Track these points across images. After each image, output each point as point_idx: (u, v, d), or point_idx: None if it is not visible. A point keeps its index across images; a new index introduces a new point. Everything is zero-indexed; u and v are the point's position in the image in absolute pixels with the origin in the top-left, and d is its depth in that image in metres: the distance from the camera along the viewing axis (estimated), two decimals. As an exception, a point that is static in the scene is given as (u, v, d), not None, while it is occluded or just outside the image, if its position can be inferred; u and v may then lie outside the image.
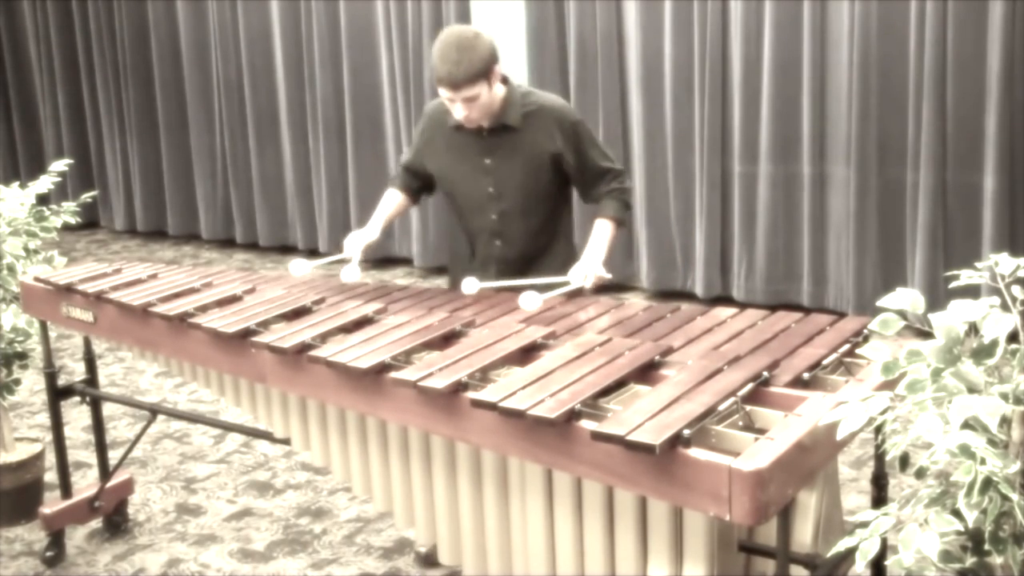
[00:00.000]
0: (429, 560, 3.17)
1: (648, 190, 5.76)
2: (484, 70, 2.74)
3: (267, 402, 2.67)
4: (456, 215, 3.14)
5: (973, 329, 1.66)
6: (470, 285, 2.82)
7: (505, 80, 2.92)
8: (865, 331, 2.34)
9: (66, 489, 3.45)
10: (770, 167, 5.39)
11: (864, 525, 1.63)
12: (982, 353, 1.65)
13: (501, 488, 2.16)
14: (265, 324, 2.61)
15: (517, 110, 2.90)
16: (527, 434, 1.99)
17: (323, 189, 6.97)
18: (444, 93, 2.77)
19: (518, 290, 2.71)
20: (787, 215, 5.42)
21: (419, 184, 3.21)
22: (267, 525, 3.57)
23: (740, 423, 1.95)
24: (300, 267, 3.11)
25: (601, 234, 2.97)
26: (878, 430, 1.68)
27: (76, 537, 3.53)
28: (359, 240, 3.11)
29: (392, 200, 3.23)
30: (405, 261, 6.86)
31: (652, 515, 1.92)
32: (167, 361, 2.96)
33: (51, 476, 3.65)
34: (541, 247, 3.04)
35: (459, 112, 2.80)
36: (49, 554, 3.37)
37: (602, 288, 2.93)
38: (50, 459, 3.62)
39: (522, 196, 2.97)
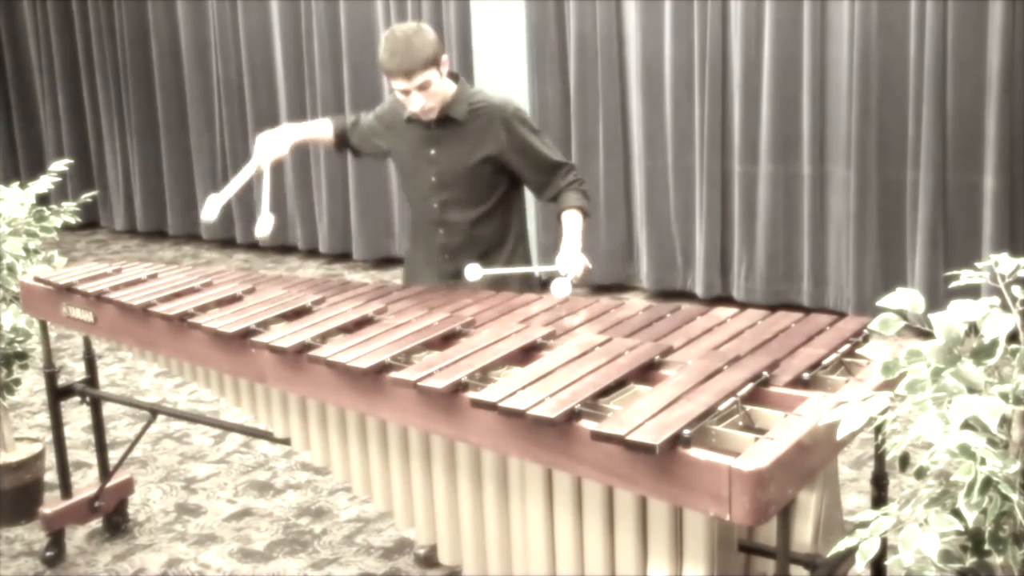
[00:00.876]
0: (429, 561, 3.17)
1: (648, 190, 5.76)
2: (433, 57, 2.83)
3: (267, 402, 2.67)
4: (408, 202, 3.26)
5: (973, 329, 1.66)
6: (473, 272, 2.91)
7: (456, 77, 3.01)
8: (865, 331, 2.34)
9: (66, 489, 3.45)
10: (770, 167, 5.39)
11: (864, 525, 1.63)
12: (982, 353, 1.65)
13: (501, 488, 2.16)
14: (265, 324, 2.61)
15: (464, 106, 2.98)
16: (527, 434, 1.99)
17: (323, 189, 6.97)
18: (398, 85, 2.85)
19: (503, 275, 2.94)
20: (787, 215, 5.42)
21: (356, 143, 3.28)
22: (267, 525, 3.57)
23: (740, 423, 1.95)
24: (211, 208, 3.05)
25: (572, 224, 3.00)
26: (878, 430, 1.68)
27: (76, 537, 3.53)
28: (270, 150, 3.07)
29: (321, 128, 3.29)
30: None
31: (652, 515, 1.92)
32: (167, 361, 2.96)
33: (51, 476, 3.64)
34: (486, 239, 3.07)
35: (416, 102, 2.88)
36: (49, 554, 3.37)
37: (602, 288, 2.94)
38: (50, 459, 3.62)
39: (463, 187, 3.03)
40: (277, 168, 7.77)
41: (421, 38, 2.83)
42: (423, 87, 2.85)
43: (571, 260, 2.88)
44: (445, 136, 3.01)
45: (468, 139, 2.99)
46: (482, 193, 3.04)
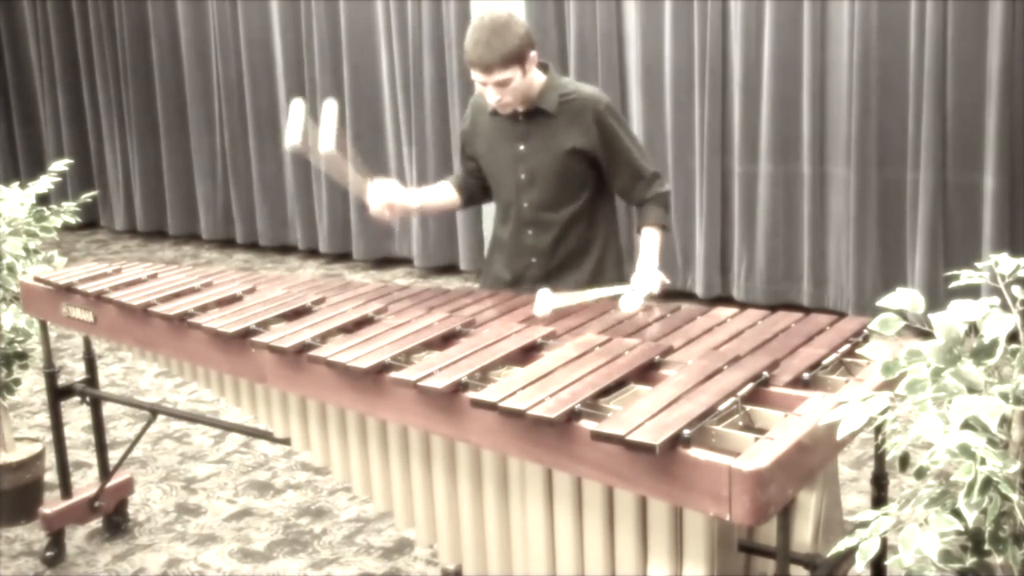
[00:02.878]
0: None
1: (648, 190, 5.75)
2: (517, 54, 2.71)
3: (267, 402, 2.67)
4: (496, 203, 3.08)
5: (973, 329, 1.66)
6: (544, 302, 2.62)
7: (546, 68, 2.90)
8: (865, 331, 2.34)
9: (66, 489, 3.46)
10: (770, 167, 5.39)
11: (864, 525, 1.63)
12: (982, 353, 1.65)
13: (501, 488, 2.16)
14: (265, 324, 2.61)
15: (555, 96, 2.86)
16: (527, 434, 1.99)
17: (323, 189, 6.97)
18: (476, 77, 2.75)
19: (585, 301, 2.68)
20: (787, 215, 5.42)
21: (473, 182, 3.12)
22: (267, 525, 3.57)
23: (740, 423, 1.95)
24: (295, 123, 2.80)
25: (650, 241, 2.90)
26: (878, 430, 1.68)
27: (76, 537, 3.53)
28: (393, 193, 2.92)
29: (441, 188, 3.14)
30: (405, 261, 6.86)
31: (652, 515, 1.92)
32: (167, 361, 2.96)
33: (51, 476, 3.65)
34: (576, 240, 2.95)
35: (491, 96, 2.77)
36: (49, 554, 3.37)
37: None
38: (50, 459, 3.62)
39: (553, 185, 2.90)
40: (277, 168, 7.71)
41: (507, 32, 2.68)
42: (501, 84, 2.73)
43: (646, 278, 2.76)
44: (535, 129, 2.88)
45: (559, 133, 2.86)
46: (574, 190, 2.90)
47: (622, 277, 2.89)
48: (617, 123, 2.90)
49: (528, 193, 2.93)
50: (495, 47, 2.68)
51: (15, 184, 3.66)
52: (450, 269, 6.65)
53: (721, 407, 1.93)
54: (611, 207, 3.04)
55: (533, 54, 2.77)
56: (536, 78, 2.85)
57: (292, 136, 2.80)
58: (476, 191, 3.14)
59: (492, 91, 2.75)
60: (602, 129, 2.86)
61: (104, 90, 7.86)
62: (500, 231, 3.05)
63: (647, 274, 2.79)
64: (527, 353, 2.32)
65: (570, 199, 2.92)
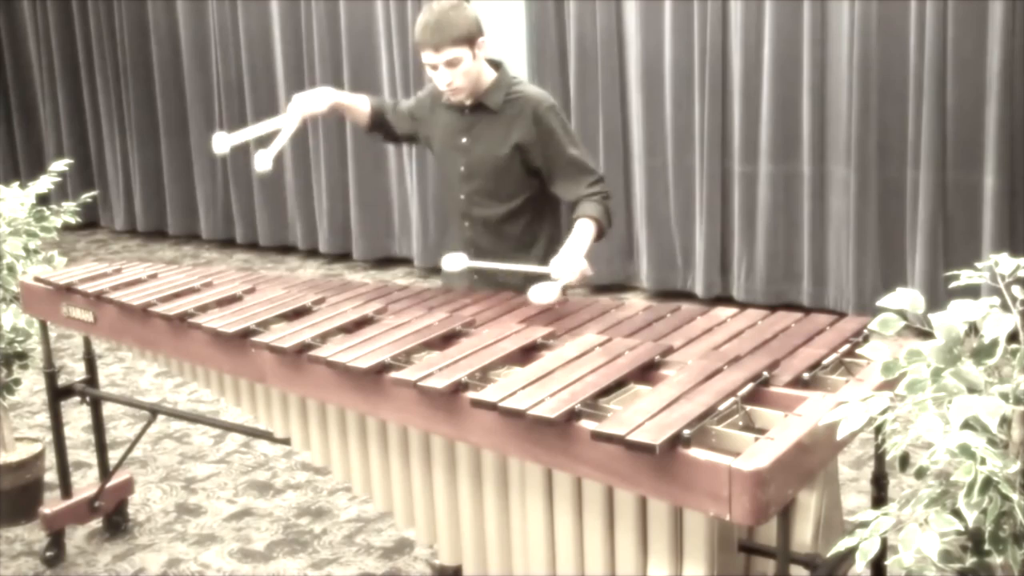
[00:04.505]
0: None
1: (648, 190, 5.76)
2: (466, 35, 2.76)
3: (267, 402, 2.67)
4: (440, 194, 3.14)
5: (973, 329, 1.66)
6: (453, 261, 2.81)
7: (498, 66, 2.94)
8: (865, 331, 2.34)
9: (66, 489, 3.46)
10: (770, 167, 5.39)
11: (864, 525, 1.63)
12: (982, 353, 1.65)
13: (501, 488, 2.16)
14: (265, 324, 2.61)
15: (500, 95, 2.90)
16: (527, 434, 1.99)
17: (323, 189, 6.97)
18: (427, 59, 2.78)
19: (497, 273, 2.81)
20: (787, 215, 5.42)
21: (383, 125, 3.19)
22: (267, 525, 3.57)
23: (740, 423, 1.95)
24: (221, 141, 2.97)
25: (582, 231, 2.80)
26: (878, 430, 1.68)
27: (76, 537, 3.53)
28: (305, 105, 3.00)
29: (359, 101, 3.18)
30: (405, 261, 6.86)
31: (652, 515, 1.92)
32: (167, 361, 2.96)
33: (51, 476, 3.65)
34: (513, 238, 2.96)
35: (443, 78, 2.79)
36: (49, 554, 3.37)
37: (602, 288, 2.88)
38: (50, 459, 3.62)
39: (490, 181, 2.94)
40: (277, 168, 7.78)
41: (457, 13, 2.76)
42: (451, 63, 2.76)
43: (567, 264, 2.69)
44: (478, 124, 2.93)
45: (500, 128, 2.90)
46: (511, 188, 2.93)
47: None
48: (558, 123, 2.90)
49: (466, 186, 2.98)
50: (443, 25, 2.74)
51: (15, 184, 3.66)
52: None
53: (721, 407, 1.93)
54: (555, 209, 3.04)
55: (482, 39, 2.83)
56: (487, 73, 2.90)
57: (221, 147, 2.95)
58: (388, 129, 3.20)
59: (444, 72, 2.78)
60: (541, 128, 2.88)
61: (104, 90, 7.86)
62: (447, 225, 3.13)
63: (568, 261, 2.70)
64: (527, 353, 2.32)
65: (507, 197, 2.95)
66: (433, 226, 6.53)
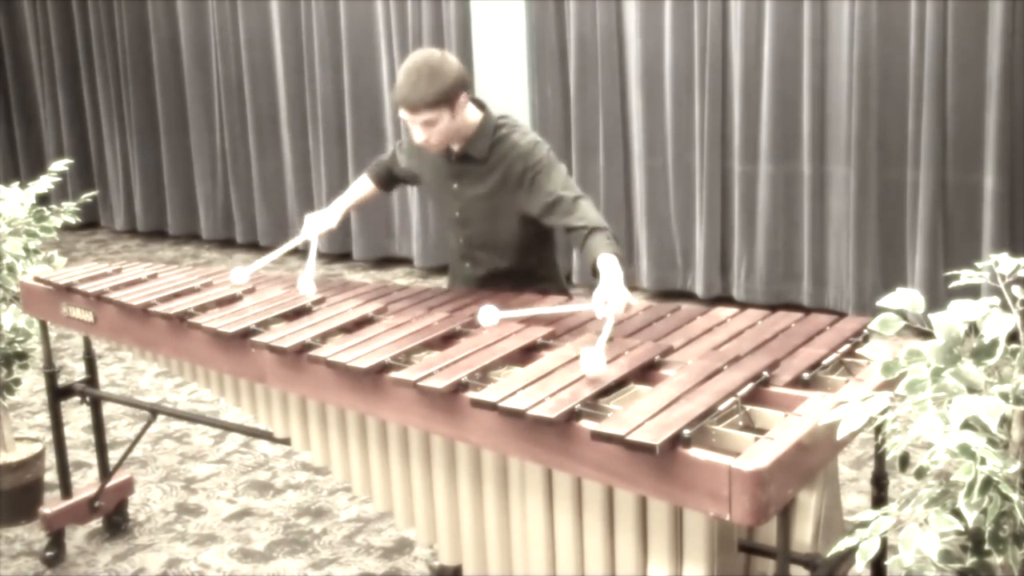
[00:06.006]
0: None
1: (648, 190, 5.76)
2: (445, 96, 2.64)
3: (267, 402, 2.67)
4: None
5: (973, 329, 1.66)
6: (488, 315, 2.49)
7: (482, 107, 2.82)
8: (865, 331, 2.34)
9: (66, 489, 3.46)
10: (770, 167, 5.39)
11: (864, 525, 1.63)
12: (982, 353, 1.65)
13: (501, 488, 2.16)
14: (265, 324, 2.61)
15: (485, 143, 2.78)
16: (527, 434, 1.99)
17: (323, 189, 6.96)
18: (403, 115, 2.70)
19: (537, 319, 2.55)
20: (787, 215, 5.42)
21: (394, 179, 3.20)
22: (267, 525, 3.57)
23: (740, 423, 1.95)
24: (240, 275, 2.99)
25: (611, 265, 2.50)
26: (878, 430, 1.68)
27: (76, 537, 3.53)
28: (318, 225, 3.07)
29: (362, 187, 3.21)
30: (405, 261, 6.86)
31: (652, 515, 1.92)
32: (167, 361, 2.96)
33: (51, 476, 3.64)
34: (511, 280, 2.89)
35: (418, 135, 2.72)
36: (49, 554, 3.37)
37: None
38: (50, 459, 3.62)
39: (485, 227, 2.88)
40: (277, 168, 7.73)
41: (437, 75, 2.63)
42: (428, 124, 2.67)
43: (613, 298, 2.37)
44: (466, 172, 2.84)
45: (488, 177, 2.80)
46: (508, 236, 2.86)
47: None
48: (545, 175, 2.73)
49: (463, 230, 2.93)
50: (421, 88, 2.63)
51: (15, 184, 3.66)
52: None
53: (721, 407, 1.93)
54: (550, 252, 2.98)
55: (463, 98, 2.70)
56: (471, 116, 2.78)
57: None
58: (397, 181, 3.20)
59: (419, 130, 2.70)
60: (533, 186, 2.74)
61: (104, 90, 7.86)
62: (449, 253, 3.12)
63: (612, 295, 2.38)
64: (527, 353, 2.32)
65: (504, 242, 2.88)
66: (433, 226, 6.53)
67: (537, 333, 2.39)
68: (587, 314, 2.57)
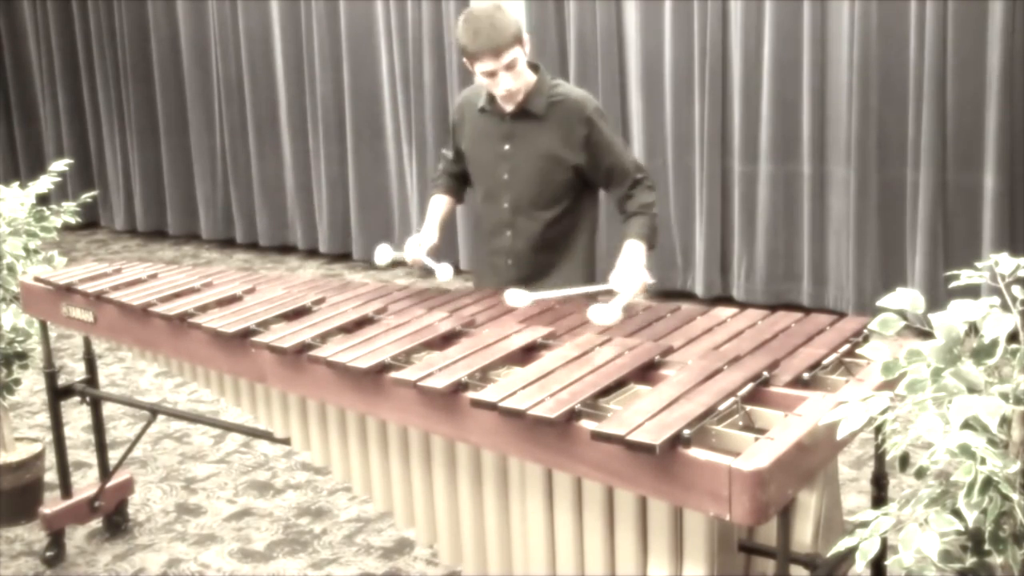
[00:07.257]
0: None
1: (648, 190, 5.75)
2: (517, 33, 2.72)
3: (267, 402, 2.67)
4: (478, 203, 3.08)
5: (973, 329, 1.66)
6: (517, 297, 2.65)
7: (536, 68, 2.88)
8: (865, 331, 2.34)
9: (66, 489, 3.46)
10: (770, 167, 5.39)
11: (864, 525, 1.63)
12: (982, 353, 1.65)
13: (501, 488, 2.16)
14: (265, 324, 2.61)
15: (543, 98, 2.84)
16: (527, 434, 1.99)
17: (323, 189, 6.97)
18: (485, 67, 2.72)
19: (563, 298, 2.69)
20: (787, 215, 5.42)
21: (461, 181, 3.16)
22: (267, 525, 3.57)
23: (740, 423, 1.95)
24: (384, 253, 3.06)
25: (635, 250, 2.81)
26: (878, 430, 1.67)
27: (76, 537, 3.53)
28: (421, 245, 3.02)
29: (439, 204, 3.16)
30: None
31: (652, 515, 1.92)
32: (167, 361, 2.96)
33: (51, 476, 3.65)
34: (554, 245, 2.95)
35: (505, 83, 2.74)
36: (49, 554, 3.37)
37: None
38: (50, 459, 3.62)
39: (535, 186, 2.89)
40: (277, 168, 7.72)
41: (503, 15, 2.70)
42: (511, 66, 2.71)
43: (626, 280, 2.66)
44: (521, 130, 2.86)
45: (544, 133, 2.84)
46: (556, 192, 2.89)
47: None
48: (604, 127, 2.88)
49: (509, 193, 2.93)
50: (500, 28, 2.68)
51: (15, 184, 3.66)
52: (450, 269, 6.64)
53: (721, 407, 1.93)
54: (594, 212, 3.03)
55: (527, 36, 2.79)
56: (528, 75, 2.84)
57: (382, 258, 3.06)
58: (463, 185, 3.18)
59: (505, 77, 2.74)
60: (589, 134, 2.85)
61: (104, 90, 7.86)
62: (483, 234, 3.08)
63: (628, 276, 2.69)
64: (527, 353, 2.32)
65: (551, 202, 2.91)
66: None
67: (537, 333, 2.39)
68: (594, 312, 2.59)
